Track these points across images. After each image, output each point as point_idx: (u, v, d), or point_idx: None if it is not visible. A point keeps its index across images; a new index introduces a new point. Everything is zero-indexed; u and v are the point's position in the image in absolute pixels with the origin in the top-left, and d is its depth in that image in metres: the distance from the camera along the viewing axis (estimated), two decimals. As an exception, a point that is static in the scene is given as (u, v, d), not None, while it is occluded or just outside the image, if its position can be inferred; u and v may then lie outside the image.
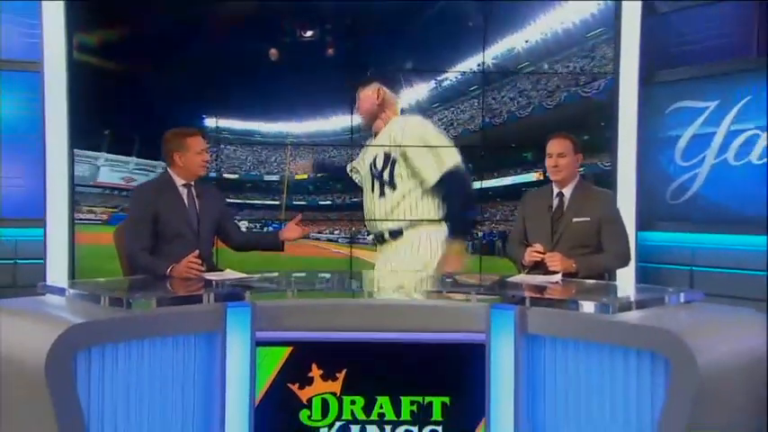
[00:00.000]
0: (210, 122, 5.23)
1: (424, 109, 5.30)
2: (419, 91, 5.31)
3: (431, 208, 4.81)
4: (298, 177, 5.40)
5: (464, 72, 5.29)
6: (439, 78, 5.31)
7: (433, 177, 4.77)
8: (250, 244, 3.57)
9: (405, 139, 4.86)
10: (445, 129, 5.25)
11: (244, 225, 5.26)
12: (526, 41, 5.28)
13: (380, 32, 5.27)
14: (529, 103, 5.32)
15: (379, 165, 4.80)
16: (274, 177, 5.40)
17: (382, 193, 4.79)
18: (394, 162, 4.75)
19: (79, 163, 5.16)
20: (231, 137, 5.30)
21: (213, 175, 5.24)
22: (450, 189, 4.78)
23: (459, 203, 4.86)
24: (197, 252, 3.07)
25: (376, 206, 4.82)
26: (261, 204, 5.40)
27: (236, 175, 5.34)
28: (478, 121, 5.26)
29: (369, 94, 4.86)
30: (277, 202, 5.39)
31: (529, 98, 5.32)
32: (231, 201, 5.26)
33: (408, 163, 4.79)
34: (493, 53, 5.29)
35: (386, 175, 4.77)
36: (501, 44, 5.30)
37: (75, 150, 5.08)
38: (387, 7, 5.22)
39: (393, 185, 4.76)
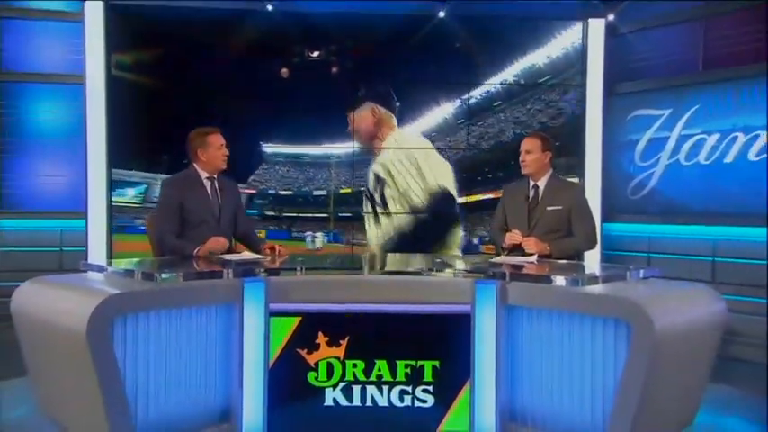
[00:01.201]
0: (267, 148, 5.19)
1: (450, 125, 5.18)
2: (446, 109, 5.17)
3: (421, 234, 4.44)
4: (342, 192, 5.28)
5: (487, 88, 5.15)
6: (464, 97, 5.19)
7: (418, 199, 4.47)
8: (247, 238, 3.43)
9: (398, 159, 4.59)
10: (476, 142, 5.14)
11: (320, 236, 5.21)
12: (547, 57, 5.24)
13: (408, 63, 5.12)
14: (560, 113, 5.29)
15: (371, 186, 4.48)
16: (322, 192, 5.31)
17: (376, 217, 4.49)
18: (384, 183, 4.44)
19: (155, 185, 5.16)
20: (284, 159, 5.24)
21: (271, 191, 5.20)
22: (435, 211, 4.35)
23: (426, 231, 4.45)
24: (221, 239, 3.10)
25: (372, 231, 4.51)
26: (312, 217, 5.30)
27: (290, 192, 5.27)
28: (509, 133, 5.15)
29: (364, 116, 4.53)
30: (325, 215, 5.30)
31: (559, 109, 5.29)
32: (287, 214, 5.25)
33: (396, 183, 4.48)
34: (514, 70, 5.26)
35: (377, 197, 4.49)
36: (523, 61, 5.28)
37: (145, 173, 5.12)
38: (416, 39, 5.12)
39: (386, 206, 4.46)
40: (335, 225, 5.24)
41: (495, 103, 5.33)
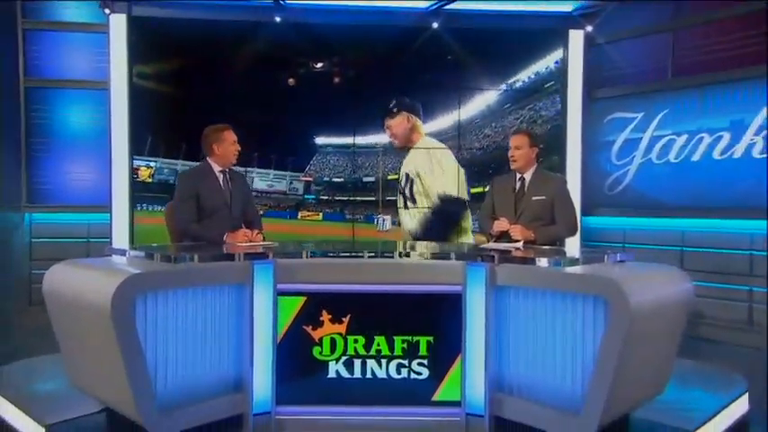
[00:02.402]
0: (319, 140, 5.25)
1: (494, 111, 5.24)
2: (487, 97, 5.22)
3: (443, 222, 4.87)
4: (389, 178, 5.33)
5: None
6: (510, 81, 5.22)
7: (434, 199, 4.82)
8: (251, 224, 3.32)
9: (426, 162, 4.86)
10: (527, 126, 5.17)
11: (388, 219, 5.25)
12: (531, 65, 5.33)
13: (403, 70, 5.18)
14: (544, 116, 5.33)
15: (403, 182, 4.82)
16: (371, 179, 5.35)
17: (405, 206, 4.84)
18: (413, 181, 4.78)
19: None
20: (333, 150, 5.28)
21: (325, 179, 5.27)
22: (441, 211, 4.80)
23: (444, 223, 4.86)
24: (249, 231, 3.11)
25: (402, 214, 4.88)
26: (361, 201, 5.33)
27: (342, 179, 5.32)
28: (496, 133, 5.22)
29: (400, 122, 4.77)
30: (374, 198, 5.34)
31: (543, 112, 5.33)
32: (339, 198, 5.32)
33: (423, 183, 4.81)
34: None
35: (407, 191, 4.82)
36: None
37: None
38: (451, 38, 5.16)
39: (413, 200, 4.79)
40: (384, 208, 5.30)
41: (485, 107, 5.33)
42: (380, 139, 5.25)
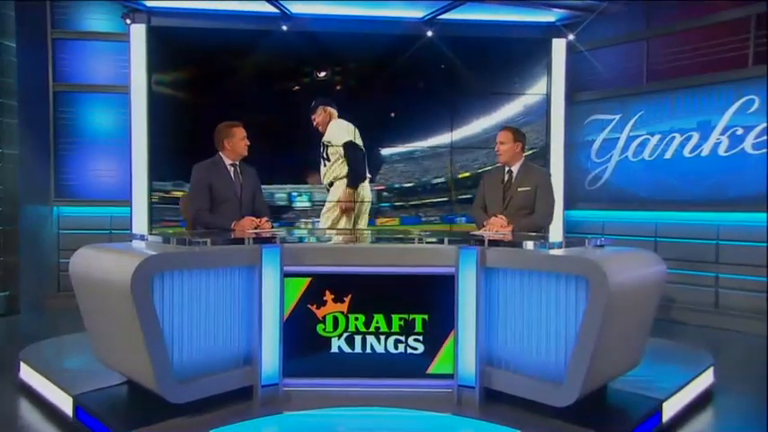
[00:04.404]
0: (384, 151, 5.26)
1: (483, 113, 5.25)
2: (477, 100, 5.26)
3: (345, 169, 5.17)
4: (460, 176, 5.20)
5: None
6: (498, 85, 5.27)
7: (340, 147, 5.20)
8: (259, 215, 3.23)
9: (335, 133, 5.21)
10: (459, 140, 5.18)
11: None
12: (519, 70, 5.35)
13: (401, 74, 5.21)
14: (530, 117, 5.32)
15: (322, 148, 5.23)
16: (441, 180, 5.21)
17: (324, 164, 5.22)
18: (326, 146, 5.20)
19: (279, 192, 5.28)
20: (398, 157, 5.21)
21: (396, 185, 5.18)
22: (348, 155, 5.18)
23: (353, 164, 5.23)
24: (255, 219, 3.07)
25: (322, 169, 5.28)
26: (432, 202, 5.20)
27: (412, 184, 5.20)
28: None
29: (320, 112, 5.21)
30: (446, 199, 5.20)
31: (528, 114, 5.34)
32: (413, 203, 5.19)
33: (332, 146, 5.18)
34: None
35: (324, 153, 5.23)
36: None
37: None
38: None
39: (328, 158, 5.20)
40: (459, 207, 5.14)
41: (476, 108, 5.30)
42: (443, 140, 5.22)
